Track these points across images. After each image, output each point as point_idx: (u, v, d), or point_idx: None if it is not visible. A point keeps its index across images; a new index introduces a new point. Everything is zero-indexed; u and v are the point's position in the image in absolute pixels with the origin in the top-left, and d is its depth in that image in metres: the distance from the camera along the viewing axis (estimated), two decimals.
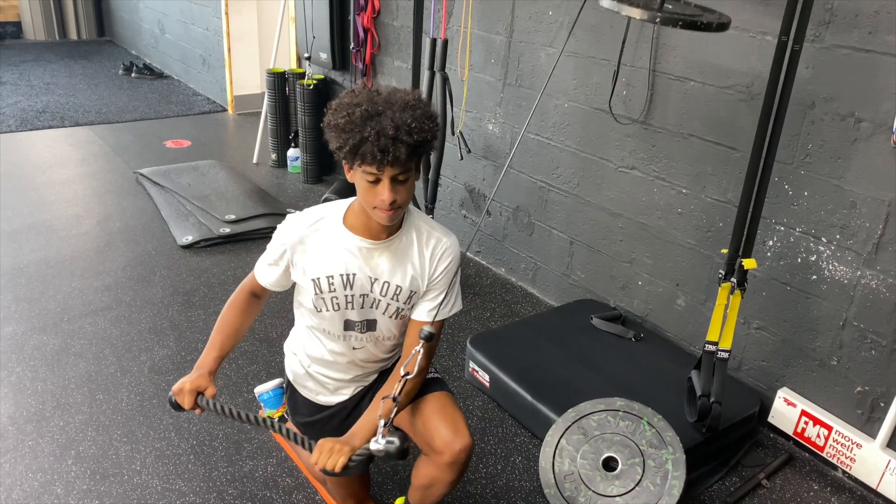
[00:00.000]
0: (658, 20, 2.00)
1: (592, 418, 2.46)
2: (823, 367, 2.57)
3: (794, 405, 2.63)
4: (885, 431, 2.39)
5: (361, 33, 4.37)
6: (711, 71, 2.69)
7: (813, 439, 2.59)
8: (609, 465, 2.36)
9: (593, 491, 2.30)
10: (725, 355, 2.41)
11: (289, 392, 2.13)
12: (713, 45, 2.66)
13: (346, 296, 1.81)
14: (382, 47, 4.37)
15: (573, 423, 2.46)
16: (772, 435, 2.76)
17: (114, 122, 6.14)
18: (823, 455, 2.58)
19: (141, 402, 2.73)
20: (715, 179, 2.77)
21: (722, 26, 2.09)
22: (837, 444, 2.52)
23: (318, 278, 1.80)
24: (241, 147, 5.71)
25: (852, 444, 2.48)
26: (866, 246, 2.36)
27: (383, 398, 1.74)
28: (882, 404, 2.43)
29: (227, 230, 4.05)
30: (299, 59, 5.28)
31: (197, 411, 1.81)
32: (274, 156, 5.29)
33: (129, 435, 2.56)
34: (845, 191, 2.38)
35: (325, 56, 4.70)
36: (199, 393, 1.78)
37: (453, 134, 3.49)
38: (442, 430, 1.85)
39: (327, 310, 1.83)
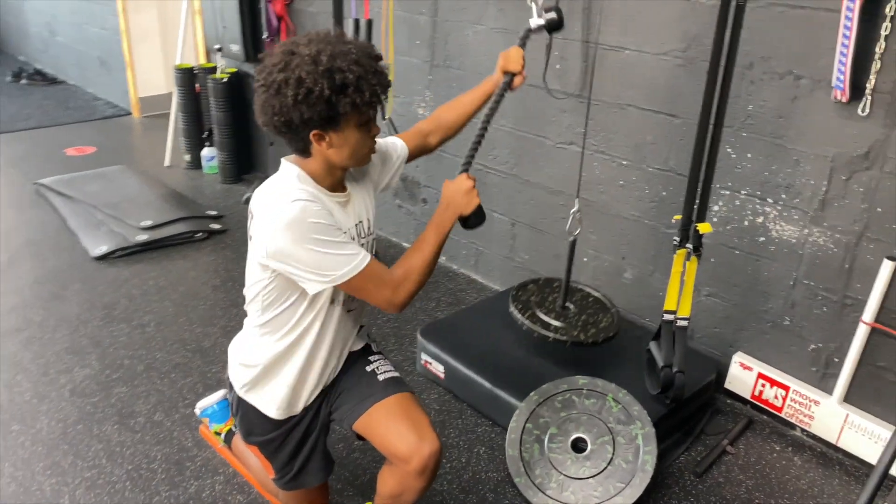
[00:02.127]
0: None
1: (556, 399, 2.37)
2: (776, 329, 2.57)
3: (750, 369, 2.63)
4: (840, 386, 2.41)
5: (275, 21, 4.15)
6: (646, 38, 2.64)
7: (771, 401, 2.59)
8: (578, 446, 2.28)
9: (564, 475, 2.22)
10: (685, 323, 2.37)
11: (241, 409, 1.90)
12: (646, 11, 2.61)
13: (363, 244, 1.74)
14: (298, 34, 4.16)
15: (537, 406, 2.37)
16: (728, 401, 2.76)
17: (5, 131, 5.67)
18: (782, 416, 2.58)
19: (64, 430, 2.46)
20: (655, 149, 2.73)
21: None
22: (795, 403, 2.53)
23: (349, 229, 1.68)
24: (150, 150, 5.37)
25: (810, 401, 2.49)
26: (812, 203, 2.37)
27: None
28: (836, 360, 2.45)
29: (143, 237, 3.77)
30: (208, 54, 5.00)
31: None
32: (188, 157, 4.99)
33: (53, 467, 2.30)
34: (788, 149, 2.38)
35: (236, 48, 4.45)
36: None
37: (384, 119, 3.34)
38: (406, 435, 1.72)
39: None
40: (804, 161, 2.35)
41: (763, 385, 2.60)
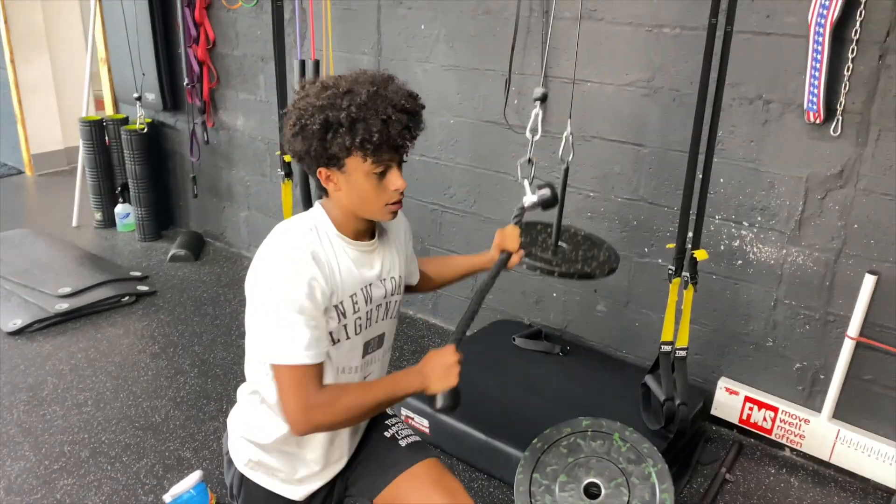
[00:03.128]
0: None
1: (561, 444, 2.26)
2: (760, 350, 2.58)
3: (736, 393, 2.62)
4: (829, 403, 2.43)
5: (196, 67, 3.92)
6: (608, 70, 2.64)
7: (760, 423, 2.59)
8: (591, 491, 2.17)
9: None
10: (683, 353, 2.33)
11: (245, 489, 1.67)
12: (607, 43, 2.62)
13: (367, 312, 1.53)
14: (222, 80, 3.95)
15: (542, 454, 2.24)
16: (715, 427, 2.74)
17: None
18: (772, 437, 2.58)
19: None
20: (623, 178, 2.72)
21: None
22: (785, 423, 2.53)
23: (342, 301, 1.47)
24: (52, 210, 4.93)
25: (800, 420, 2.50)
26: (789, 224, 2.40)
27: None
28: (822, 377, 2.47)
29: (64, 306, 3.40)
30: (116, 104, 4.67)
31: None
32: (98, 215, 4.61)
33: None
34: (762, 172, 2.41)
35: (152, 96, 4.17)
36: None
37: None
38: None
39: (348, 337, 1.50)
40: (778, 183, 2.39)
41: (751, 408, 2.59)
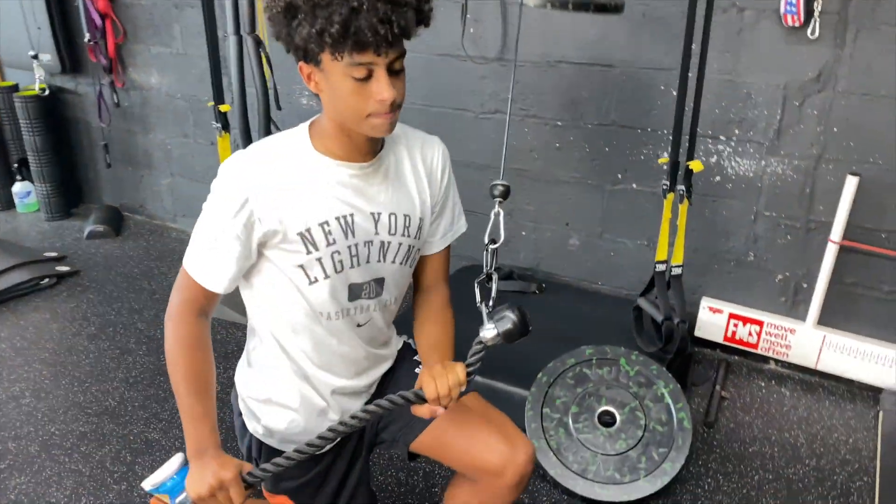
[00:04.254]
0: None
1: (567, 376, 2.17)
2: (741, 266, 2.57)
3: (720, 311, 2.60)
4: (814, 310, 2.45)
5: (98, 20, 3.51)
6: None
7: (745, 339, 2.59)
8: (605, 420, 2.09)
9: (602, 454, 2.02)
10: (679, 271, 2.28)
11: (265, 456, 1.48)
12: None
13: (348, 247, 1.32)
14: (130, 33, 3.57)
15: (548, 387, 2.14)
16: (697, 349, 2.72)
17: None
18: (758, 352, 2.59)
19: None
20: (593, 103, 2.63)
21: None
22: (771, 336, 2.54)
23: (309, 229, 1.28)
24: None
25: (785, 331, 2.51)
26: (767, 134, 2.38)
27: (477, 281, 1.46)
28: (805, 285, 2.49)
29: None
30: (1, 71, 4.16)
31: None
32: None
33: None
34: (738, 84, 2.37)
35: (48, 58, 3.72)
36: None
37: (279, 108, 2.91)
38: (494, 443, 1.41)
39: (325, 275, 1.31)
40: (755, 93, 2.36)
41: (735, 325, 2.59)
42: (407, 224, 1.38)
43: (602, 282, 2.86)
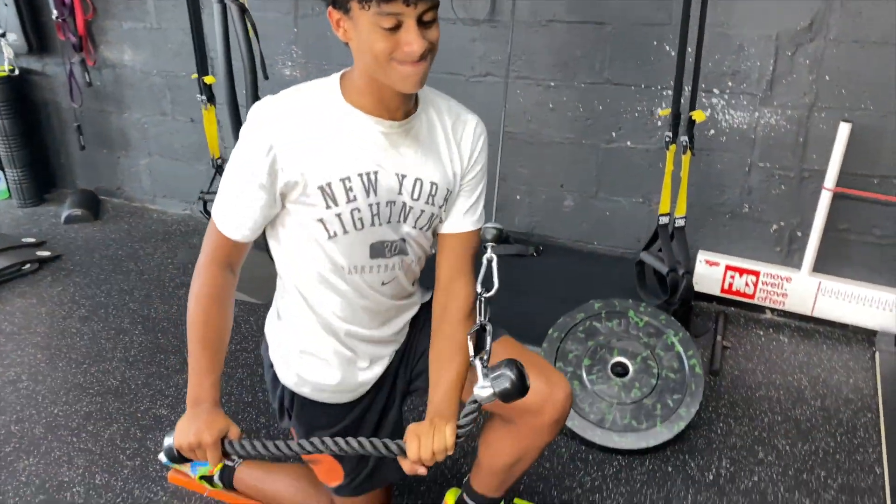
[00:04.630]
0: None
1: (578, 331, 2.18)
2: (736, 218, 2.61)
3: (716, 264, 2.65)
4: (809, 258, 2.51)
5: None
6: None
7: (742, 290, 2.63)
8: (618, 370, 2.11)
9: (617, 403, 2.04)
10: (682, 222, 2.31)
11: (297, 406, 1.48)
12: None
13: (370, 205, 1.30)
14: (100, 9, 3.45)
15: (560, 342, 2.16)
16: (694, 302, 2.76)
17: None
18: (754, 302, 2.64)
19: None
20: (586, 62, 2.63)
21: None
22: (767, 286, 2.59)
23: (329, 184, 1.26)
24: None
25: (781, 280, 2.56)
26: (760, 85, 2.41)
27: (469, 334, 1.29)
28: (799, 234, 2.54)
29: None
30: None
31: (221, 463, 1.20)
32: None
33: None
34: (730, 36, 2.40)
35: (14, 37, 3.58)
36: (223, 438, 1.24)
37: (266, 77, 2.85)
38: (534, 382, 1.40)
39: (345, 231, 1.30)
40: (748, 44, 2.38)
41: (732, 277, 2.63)
42: (433, 192, 1.34)
43: (598, 241, 2.88)
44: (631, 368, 2.10)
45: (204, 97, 2.86)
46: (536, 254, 2.84)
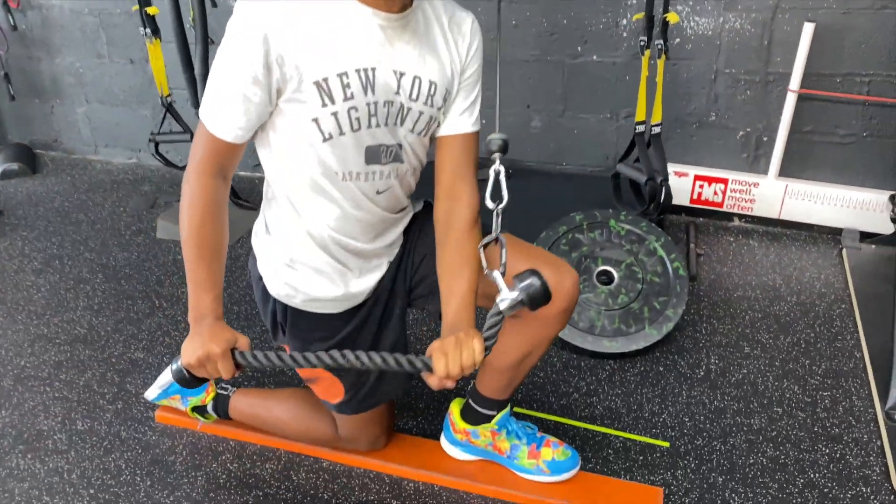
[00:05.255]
0: None
1: (561, 243, 2.17)
2: (703, 127, 2.63)
3: (685, 175, 2.66)
4: (775, 162, 2.54)
5: None
6: None
7: (711, 199, 2.67)
8: (604, 279, 2.12)
9: (606, 309, 2.05)
10: (658, 129, 2.30)
11: (290, 319, 1.43)
12: None
13: (367, 105, 1.24)
14: None
15: None
16: (660, 215, 2.78)
17: None
18: (723, 210, 2.67)
19: None
20: None
21: None
22: (736, 192, 2.63)
23: (326, 79, 1.19)
24: None
25: (749, 186, 2.60)
26: None
27: (481, 246, 1.28)
28: (765, 139, 2.57)
29: None
30: None
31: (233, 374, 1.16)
32: None
33: None
34: None
35: None
36: (232, 350, 1.20)
37: (214, 5, 2.69)
38: (543, 270, 1.40)
39: (340, 132, 1.24)
40: None
41: (701, 186, 2.66)
42: (431, 92, 1.29)
43: (566, 162, 2.86)
44: (616, 276, 2.11)
45: (147, 30, 2.68)
46: (507, 177, 2.80)
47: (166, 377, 1.74)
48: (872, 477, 1.63)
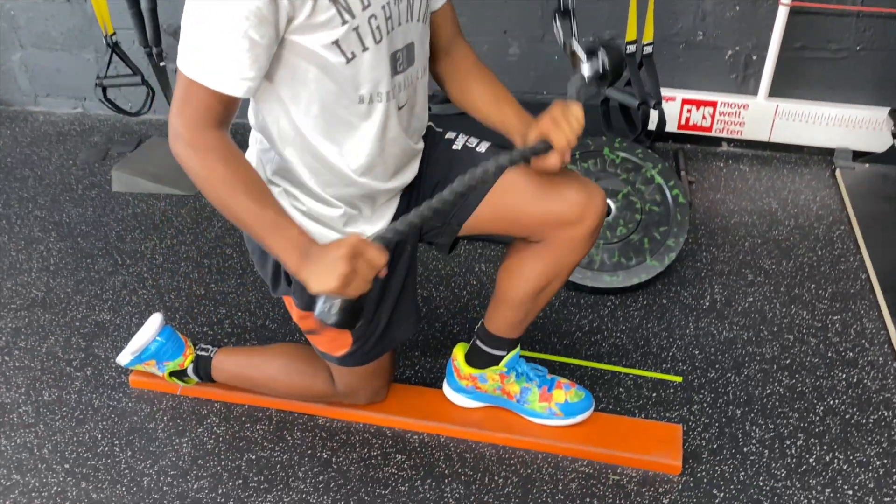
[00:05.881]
0: None
1: None
2: (690, 48, 2.50)
3: (672, 99, 2.54)
4: (765, 82, 2.43)
5: None
6: None
7: (699, 124, 2.56)
8: None
9: (604, 243, 1.95)
10: (650, 49, 2.17)
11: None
12: None
13: (382, 7, 1.11)
14: None
15: None
16: (654, 142, 2.67)
17: None
18: (712, 135, 2.57)
19: None
20: None
21: None
22: (724, 115, 2.52)
23: None
24: None
25: (739, 107, 2.50)
26: None
27: None
28: (755, 58, 2.46)
29: None
30: None
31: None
32: None
33: None
34: None
35: None
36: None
37: None
38: (567, 191, 1.31)
39: (364, 47, 1.10)
40: None
41: (689, 111, 2.55)
42: (418, 14, 1.19)
43: (548, 91, 2.72)
44: (613, 207, 2.00)
45: None
46: None
47: (139, 341, 1.59)
48: (893, 400, 1.58)
